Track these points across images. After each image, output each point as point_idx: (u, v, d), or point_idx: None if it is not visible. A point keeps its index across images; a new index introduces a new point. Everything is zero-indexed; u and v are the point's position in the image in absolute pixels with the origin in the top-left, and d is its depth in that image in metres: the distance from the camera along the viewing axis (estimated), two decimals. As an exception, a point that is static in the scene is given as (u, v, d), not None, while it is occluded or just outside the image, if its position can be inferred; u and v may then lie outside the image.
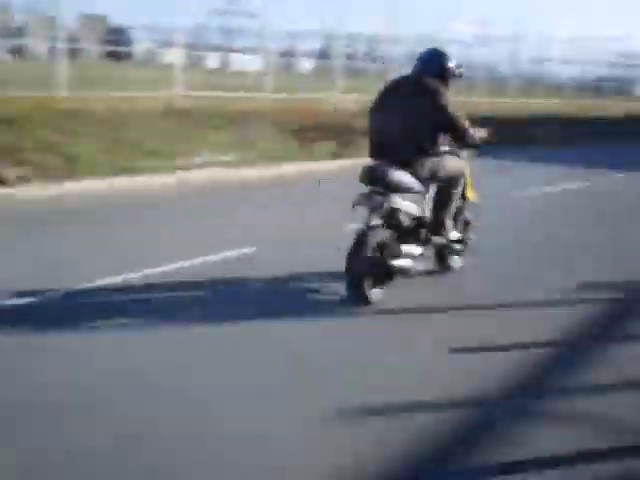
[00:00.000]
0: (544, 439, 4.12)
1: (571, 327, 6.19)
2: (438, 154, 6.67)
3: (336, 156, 16.32)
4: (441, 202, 6.90)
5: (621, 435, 4.29)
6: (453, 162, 6.91)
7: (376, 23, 30.85)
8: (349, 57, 56.75)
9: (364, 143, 7.03)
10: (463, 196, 7.26)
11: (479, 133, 6.90)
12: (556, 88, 41.01)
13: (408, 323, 6.14)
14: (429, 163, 6.58)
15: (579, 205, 12.94)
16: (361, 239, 6.18)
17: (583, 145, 24.14)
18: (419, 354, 5.37)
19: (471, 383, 4.85)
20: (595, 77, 46.65)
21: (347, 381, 4.76)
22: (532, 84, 37.04)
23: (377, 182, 6.32)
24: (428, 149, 6.56)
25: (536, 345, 5.73)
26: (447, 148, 6.85)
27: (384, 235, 6.36)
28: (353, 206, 6.34)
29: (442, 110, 6.46)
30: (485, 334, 5.86)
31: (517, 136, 22.41)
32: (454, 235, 7.18)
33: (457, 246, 7.33)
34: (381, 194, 6.28)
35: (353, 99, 21.34)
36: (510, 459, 3.92)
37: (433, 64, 6.74)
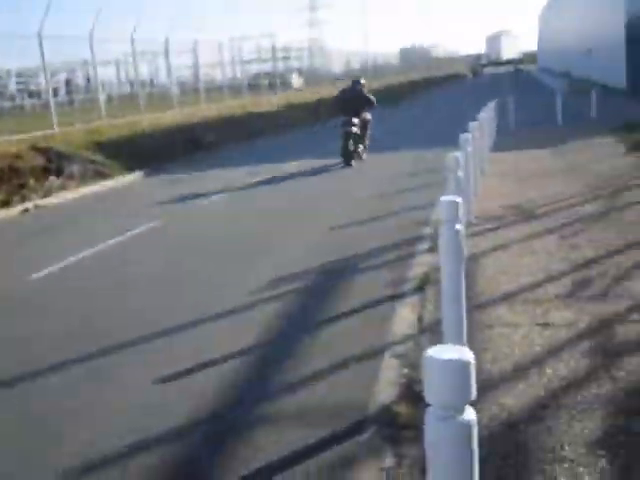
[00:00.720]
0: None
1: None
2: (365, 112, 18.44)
3: (6, 204, 15.46)
4: (365, 128, 18.50)
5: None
6: (369, 114, 18.64)
7: (23, 56, 29.17)
8: (1, 96, 54.31)
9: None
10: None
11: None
12: (217, 90, 42.02)
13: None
14: (362, 114, 18.30)
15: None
16: (346, 139, 17.56)
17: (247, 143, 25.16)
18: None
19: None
20: (252, 75, 48.50)
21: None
22: (195, 91, 37.65)
23: (348, 121, 17.65)
24: (362, 109, 18.30)
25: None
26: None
27: (352, 138, 17.72)
28: (341, 126, 17.80)
29: (366, 96, 18.41)
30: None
31: (186, 145, 22.84)
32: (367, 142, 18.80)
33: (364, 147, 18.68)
34: (350, 124, 17.68)
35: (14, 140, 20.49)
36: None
37: (359, 82, 18.76)
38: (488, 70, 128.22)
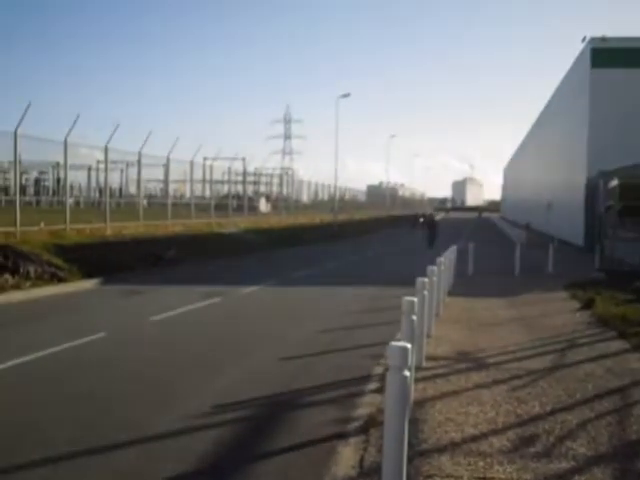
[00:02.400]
0: None
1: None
2: None
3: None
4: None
5: None
6: None
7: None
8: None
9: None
10: None
11: None
12: (184, 207, 42.36)
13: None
14: None
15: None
16: None
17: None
18: None
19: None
20: (220, 195, 49.04)
21: None
22: (162, 206, 37.89)
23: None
24: None
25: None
26: None
27: None
28: None
29: None
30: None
31: (147, 258, 22.83)
32: None
33: None
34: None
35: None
36: None
37: None
38: (453, 215, 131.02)
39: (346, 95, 59.98)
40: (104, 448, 6.40)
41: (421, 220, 59.37)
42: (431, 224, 42.25)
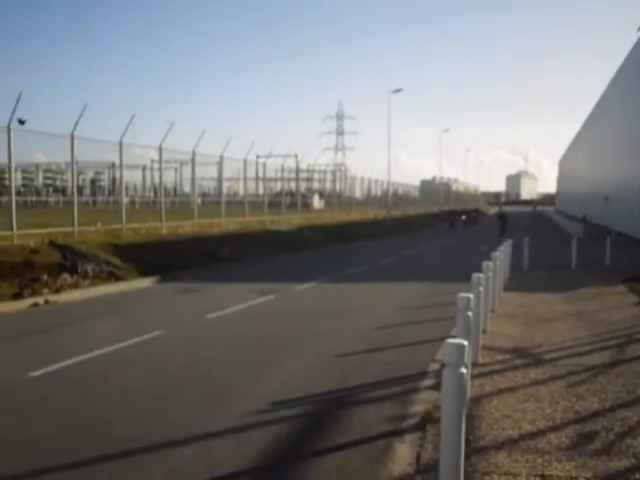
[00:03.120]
0: None
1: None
2: None
3: (18, 296, 15.55)
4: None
5: None
6: None
7: (55, 151, 30.14)
8: (28, 189, 55.36)
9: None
10: None
11: None
12: (238, 205, 42.70)
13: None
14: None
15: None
16: None
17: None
18: None
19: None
20: (274, 193, 49.28)
21: None
22: (216, 204, 38.20)
23: None
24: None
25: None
26: None
27: None
28: None
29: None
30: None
31: (202, 256, 23.05)
32: None
33: None
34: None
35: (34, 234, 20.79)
36: None
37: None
38: (507, 209, 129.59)
39: (398, 90, 59.80)
40: (162, 445, 6.49)
41: (463, 218, 58.31)
42: (502, 217, 49.37)
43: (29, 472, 5.86)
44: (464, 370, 4.59)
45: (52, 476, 5.81)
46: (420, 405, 7.67)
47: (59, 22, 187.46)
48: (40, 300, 15.65)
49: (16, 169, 24.75)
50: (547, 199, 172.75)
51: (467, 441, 5.60)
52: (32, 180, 63.77)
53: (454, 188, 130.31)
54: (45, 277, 17.07)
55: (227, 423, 7.10)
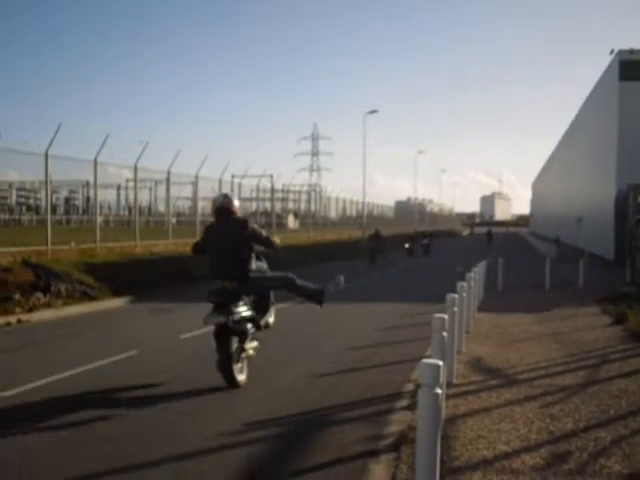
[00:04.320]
0: None
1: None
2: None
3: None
4: None
5: None
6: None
7: (29, 169, 29.99)
8: (0, 207, 54.95)
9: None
10: None
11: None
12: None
13: None
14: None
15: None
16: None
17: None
18: None
19: None
20: (249, 212, 49.19)
21: None
22: (191, 223, 38.11)
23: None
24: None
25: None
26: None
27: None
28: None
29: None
30: None
31: (177, 276, 22.95)
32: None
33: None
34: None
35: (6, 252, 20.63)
36: None
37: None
38: (480, 229, 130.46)
39: (373, 111, 60.24)
40: (139, 465, 6.44)
41: (425, 242, 49.49)
42: (489, 234, 55.45)
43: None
44: (439, 390, 4.60)
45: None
46: (395, 425, 7.67)
47: (30, 38, 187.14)
48: (12, 319, 15.51)
49: (-11, 187, 24.54)
50: (521, 220, 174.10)
51: (442, 461, 5.60)
52: (5, 198, 63.33)
53: (429, 209, 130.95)
54: (17, 296, 16.91)
55: (200, 444, 7.05)
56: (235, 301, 9.48)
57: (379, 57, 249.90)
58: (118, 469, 6.33)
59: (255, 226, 10.02)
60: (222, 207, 9.85)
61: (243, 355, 9.66)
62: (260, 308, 10.21)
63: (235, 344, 9.41)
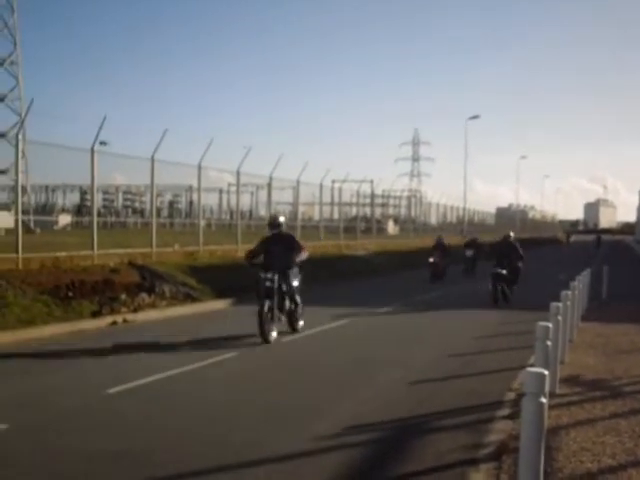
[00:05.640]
0: None
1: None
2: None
3: (97, 314, 15.90)
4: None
5: None
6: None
7: (134, 173, 30.97)
8: (108, 210, 56.67)
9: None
10: None
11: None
12: (313, 229, 42.98)
13: None
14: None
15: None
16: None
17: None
18: None
19: None
20: (349, 217, 49.40)
21: None
22: (291, 228, 38.47)
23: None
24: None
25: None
26: None
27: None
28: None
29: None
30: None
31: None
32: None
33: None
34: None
35: (113, 254, 21.24)
36: None
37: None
38: (584, 237, 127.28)
39: (475, 117, 59.65)
40: (235, 465, 6.53)
41: (468, 254, 34.36)
42: (598, 240, 52.59)
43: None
44: (544, 400, 4.52)
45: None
46: (496, 434, 7.56)
47: (140, 46, 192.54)
48: (119, 319, 15.97)
49: (97, 190, 25.32)
50: (626, 228, 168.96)
51: (545, 473, 5.49)
52: (112, 201, 65.30)
53: (530, 216, 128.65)
54: (124, 296, 17.39)
55: (299, 446, 7.10)
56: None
57: (482, 63, 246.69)
58: (220, 467, 6.45)
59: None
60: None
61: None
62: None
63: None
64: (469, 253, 34.58)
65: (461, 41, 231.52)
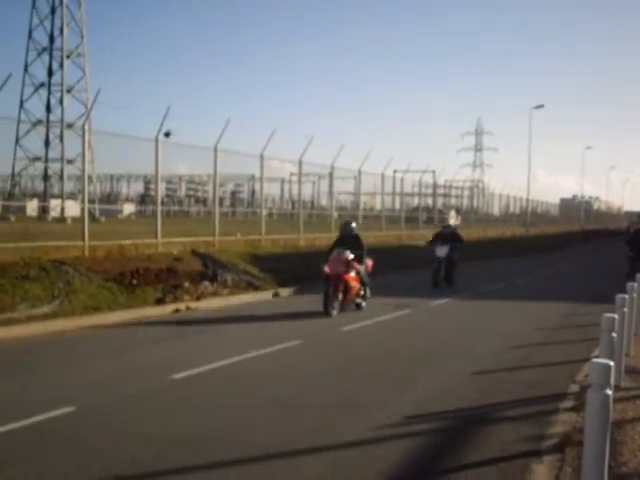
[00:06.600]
0: None
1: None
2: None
3: (161, 302, 16.14)
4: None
5: None
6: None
7: (197, 163, 31.37)
8: (171, 199, 57.44)
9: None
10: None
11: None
12: (374, 219, 42.96)
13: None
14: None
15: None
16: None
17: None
18: None
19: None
20: (410, 208, 49.28)
21: None
22: (352, 218, 38.48)
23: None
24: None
25: None
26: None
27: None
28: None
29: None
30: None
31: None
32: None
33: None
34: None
35: (176, 242, 21.52)
36: None
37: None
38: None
39: (540, 106, 58.74)
40: (297, 452, 6.59)
41: (439, 254, 22.44)
42: None
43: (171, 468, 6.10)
44: (609, 392, 4.46)
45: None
46: (559, 426, 7.49)
47: (204, 36, 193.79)
48: (182, 306, 16.19)
49: (161, 180, 25.65)
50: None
51: (608, 467, 5.42)
52: (175, 191, 66.20)
53: (595, 207, 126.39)
54: (187, 284, 17.62)
55: (360, 435, 7.14)
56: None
57: (546, 52, 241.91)
58: (284, 453, 6.53)
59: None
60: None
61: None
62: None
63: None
64: (441, 252, 22.49)
65: (527, 28, 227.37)
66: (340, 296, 15.85)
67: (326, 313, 15.31)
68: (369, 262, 17.27)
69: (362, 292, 16.87)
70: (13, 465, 6.16)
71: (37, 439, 6.81)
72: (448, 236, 23.04)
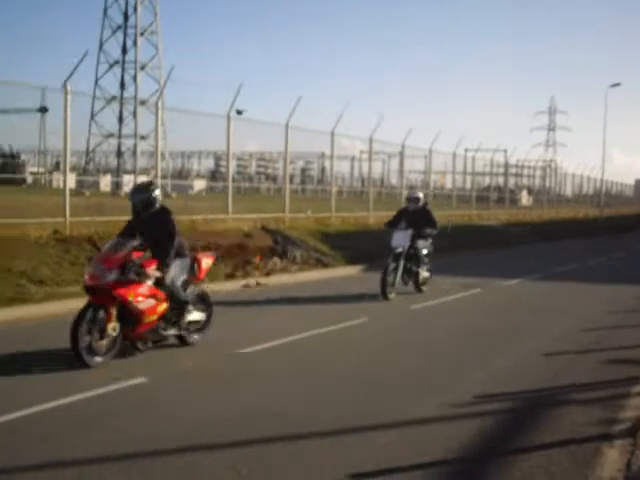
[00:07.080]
0: None
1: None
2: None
3: (231, 277, 16.33)
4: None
5: None
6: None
7: (268, 140, 31.64)
8: (241, 176, 57.88)
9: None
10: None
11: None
12: (444, 198, 42.68)
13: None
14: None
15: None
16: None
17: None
18: None
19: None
20: (481, 187, 48.70)
21: None
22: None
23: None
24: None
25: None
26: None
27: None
28: None
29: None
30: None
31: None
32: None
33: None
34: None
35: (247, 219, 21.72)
36: None
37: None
38: None
39: (616, 85, 57.20)
40: (365, 428, 6.63)
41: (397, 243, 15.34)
42: None
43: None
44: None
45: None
46: (631, 411, 7.36)
47: (272, 15, 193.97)
48: (252, 282, 16.35)
49: (232, 156, 25.88)
50: None
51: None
52: (245, 167, 66.63)
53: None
54: (257, 260, 17.79)
55: (429, 413, 7.14)
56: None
57: (623, 30, 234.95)
58: (350, 429, 6.57)
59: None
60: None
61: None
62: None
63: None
64: (400, 241, 15.36)
65: (604, 5, 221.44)
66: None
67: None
68: (209, 259, 10.57)
69: None
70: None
71: (119, 404, 7.05)
72: (414, 216, 15.70)
